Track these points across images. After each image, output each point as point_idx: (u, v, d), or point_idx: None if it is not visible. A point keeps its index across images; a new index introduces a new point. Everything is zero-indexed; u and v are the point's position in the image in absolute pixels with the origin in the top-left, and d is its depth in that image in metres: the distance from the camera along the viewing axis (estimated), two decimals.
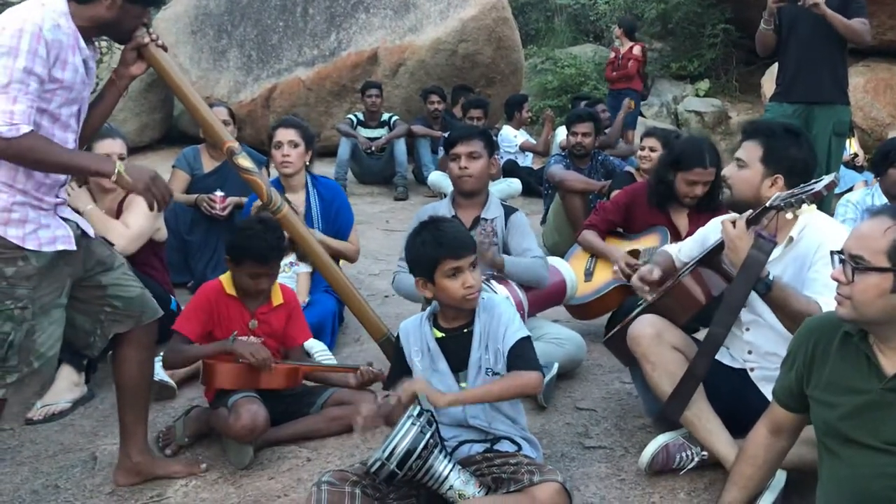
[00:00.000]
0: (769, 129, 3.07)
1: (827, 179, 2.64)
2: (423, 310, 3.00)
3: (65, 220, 2.83)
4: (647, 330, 3.02)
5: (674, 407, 2.90)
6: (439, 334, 2.83)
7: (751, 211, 2.80)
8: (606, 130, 9.11)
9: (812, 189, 2.63)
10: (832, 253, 2.22)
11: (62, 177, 2.84)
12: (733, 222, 2.79)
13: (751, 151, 3.01)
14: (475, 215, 3.86)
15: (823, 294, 2.77)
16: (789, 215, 2.66)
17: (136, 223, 4.17)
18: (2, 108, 2.54)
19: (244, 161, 3.41)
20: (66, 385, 3.85)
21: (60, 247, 2.76)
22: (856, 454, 2.18)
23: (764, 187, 2.97)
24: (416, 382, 2.65)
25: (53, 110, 2.70)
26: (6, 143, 2.54)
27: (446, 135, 8.40)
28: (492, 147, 3.94)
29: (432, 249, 2.73)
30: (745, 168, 3.00)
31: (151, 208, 2.85)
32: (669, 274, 3.30)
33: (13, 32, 2.57)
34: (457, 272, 2.71)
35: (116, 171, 2.73)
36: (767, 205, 2.71)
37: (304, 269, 4.43)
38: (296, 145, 4.61)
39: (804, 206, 2.65)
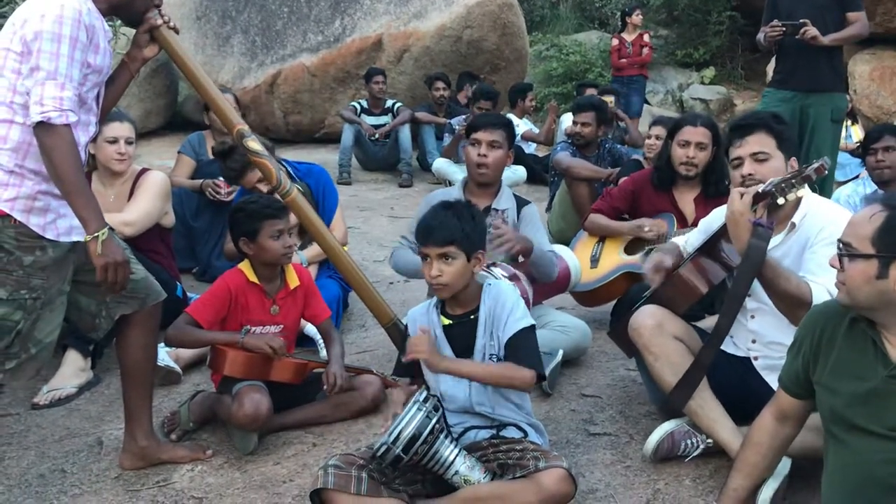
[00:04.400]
0: (766, 118, 3.05)
1: (817, 163, 2.65)
2: (430, 296, 3.00)
3: None
4: (648, 321, 3.03)
5: (679, 397, 2.91)
6: (446, 321, 2.83)
7: (761, 186, 2.79)
8: (621, 123, 9.06)
9: (802, 173, 2.63)
10: (838, 240, 2.24)
11: (82, 161, 2.83)
12: (742, 195, 2.78)
13: (765, 142, 2.97)
14: (486, 205, 3.81)
15: (816, 274, 2.79)
16: (781, 200, 2.66)
17: (137, 209, 4.17)
18: (52, 94, 2.53)
19: (254, 144, 3.40)
20: (73, 370, 3.85)
21: (76, 237, 2.76)
22: (861, 441, 2.18)
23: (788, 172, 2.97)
24: (422, 343, 2.67)
25: (83, 94, 2.71)
26: (52, 129, 2.54)
27: (451, 121, 8.34)
28: (512, 139, 3.89)
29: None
30: (768, 160, 2.95)
31: (98, 284, 2.72)
32: (678, 263, 3.29)
33: (55, 18, 2.56)
34: (425, 258, 2.76)
35: (97, 235, 2.60)
36: (760, 191, 2.71)
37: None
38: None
39: (794, 191, 2.65)
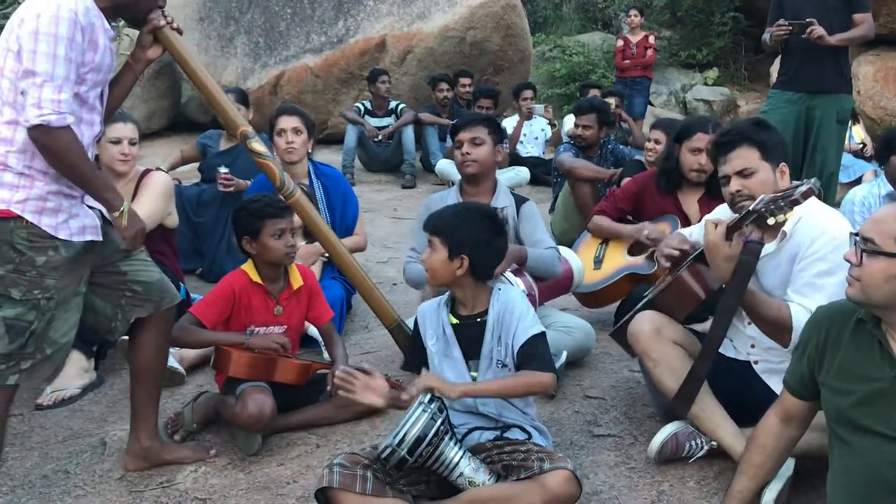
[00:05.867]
0: (745, 130, 3.02)
1: (804, 187, 2.61)
2: (422, 299, 3.00)
3: (90, 208, 2.84)
4: (646, 326, 3.02)
5: (679, 407, 2.92)
6: (455, 321, 2.83)
7: (735, 216, 2.80)
8: (624, 125, 9.03)
9: (791, 196, 2.60)
10: (851, 234, 2.22)
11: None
12: (716, 225, 2.78)
13: (747, 157, 2.94)
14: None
15: (804, 294, 2.78)
16: (771, 221, 2.64)
17: (141, 210, 4.16)
18: (51, 97, 2.54)
19: (257, 146, 3.41)
20: (76, 371, 3.85)
21: (89, 237, 2.77)
22: (867, 442, 2.18)
23: (778, 180, 2.95)
24: (429, 379, 2.64)
25: (83, 93, 2.70)
26: (51, 132, 2.54)
27: (454, 122, 8.37)
28: (497, 134, 3.90)
29: None
30: (755, 174, 2.93)
31: (126, 249, 2.90)
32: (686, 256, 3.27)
33: (50, 19, 2.56)
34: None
35: (122, 210, 2.75)
36: (751, 209, 2.70)
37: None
38: (299, 132, 4.62)
39: (783, 213, 2.63)
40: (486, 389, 2.70)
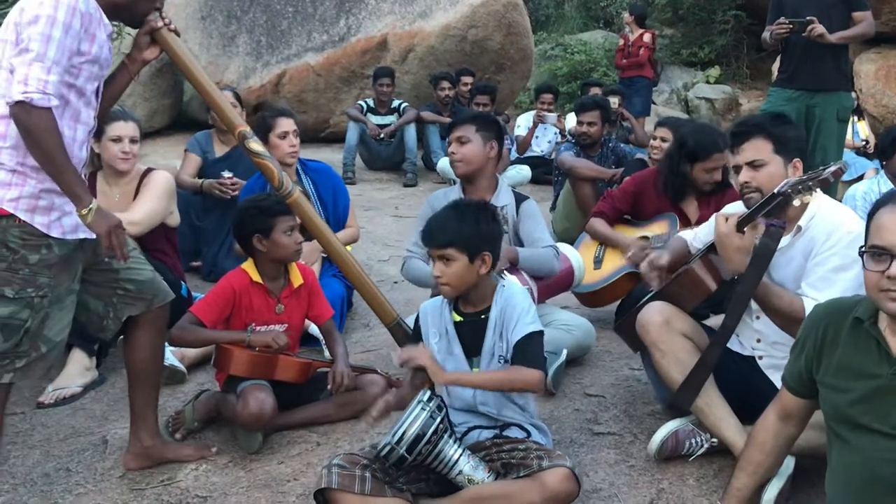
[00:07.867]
0: (763, 122, 3.02)
1: (834, 166, 2.63)
2: (432, 296, 3.00)
3: None
4: (656, 318, 3.02)
5: (685, 396, 2.91)
6: (458, 318, 2.84)
7: (745, 211, 2.80)
8: (626, 123, 9.00)
9: (819, 176, 2.61)
10: (871, 249, 2.13)
11: (84, 157, 2.83)
12: (727, 218, 2.79)
13: (761, 148, 2.94)
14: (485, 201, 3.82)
15: (818, 288, 2.78)
16: (797, 202, 2.64)
17: (143, 208, 4.17)
18: (37, 76, 2.51)
19: (256, 145, 3.41)
20: (78, 369, 3.86)
21: (82, 235, 2.76)
22: (865, 440, 2.18)
23: (789, 175, 2.95)
24: (423, 354, 2.67)
25: (80, 85, 2.70)
26: (32, 112, 2.50)
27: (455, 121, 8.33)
28: (490, 131, 3.86)
29: None
30: (764, 166, 2.92)
31: (106, 256, 2.82)
32: (683, 260, 3.28)
33: (51, 3, 2.56)
34: (430, 258, 2.79)
35: (90, 207, 2.61)
36: (775, 191, 2.71)
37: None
38: (297, 135, 4.74)
39: (811, 193, 2.64)
40: (472, 380, 2.72)
